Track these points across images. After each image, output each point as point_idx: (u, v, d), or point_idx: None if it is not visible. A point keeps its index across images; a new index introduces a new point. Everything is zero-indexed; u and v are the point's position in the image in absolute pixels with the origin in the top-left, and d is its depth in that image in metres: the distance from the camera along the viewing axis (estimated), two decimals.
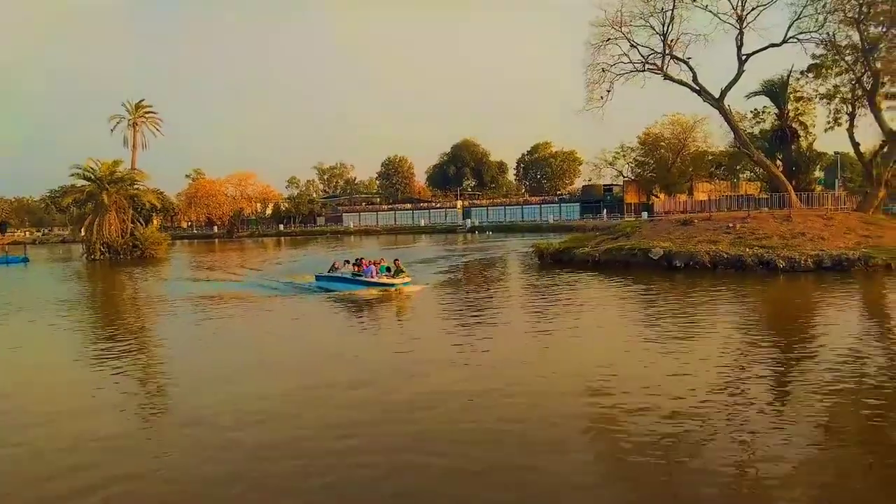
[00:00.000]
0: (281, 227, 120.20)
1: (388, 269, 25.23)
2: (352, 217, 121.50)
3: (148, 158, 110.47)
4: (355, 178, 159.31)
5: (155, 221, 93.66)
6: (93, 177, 55.61)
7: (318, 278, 26.87)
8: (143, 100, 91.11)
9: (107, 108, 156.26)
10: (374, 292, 23.59)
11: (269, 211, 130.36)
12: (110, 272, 42.68)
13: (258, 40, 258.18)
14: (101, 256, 53.83)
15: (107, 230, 54.49)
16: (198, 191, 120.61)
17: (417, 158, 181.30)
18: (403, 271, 25.24)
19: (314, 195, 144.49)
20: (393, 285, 24.15)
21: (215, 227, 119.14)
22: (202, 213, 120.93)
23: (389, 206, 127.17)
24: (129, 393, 11.61)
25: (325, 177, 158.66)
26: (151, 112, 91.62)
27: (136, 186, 59.17)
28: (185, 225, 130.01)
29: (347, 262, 26.92)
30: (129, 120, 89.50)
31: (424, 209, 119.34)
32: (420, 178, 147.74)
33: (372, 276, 24.44)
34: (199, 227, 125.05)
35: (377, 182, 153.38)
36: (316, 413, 10.02)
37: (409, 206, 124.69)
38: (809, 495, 6.83)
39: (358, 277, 24.69)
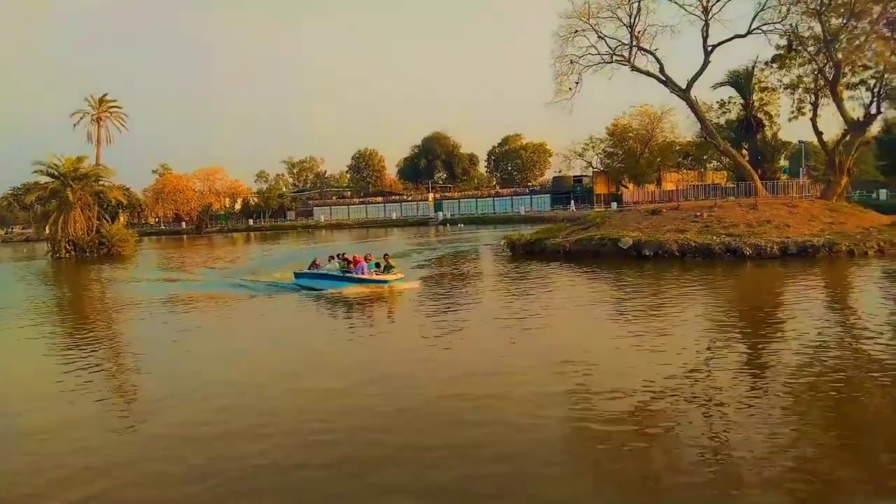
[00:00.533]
0: (251, 221, 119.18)
1: (378, 265, 23.59)
2: (322, 211, 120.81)
3: (113, 154, 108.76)
4: (325, 172, 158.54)
5: (121, 218, 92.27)
6: (56, 173, 54.51)
7: (297, 276, 24.92)
8: (106, 94, 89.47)
9: (72, 104, 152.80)
10: (363, 290, 22.10)
11: (238, 206, 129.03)
12: (77, 271, 41.88)
13: (227, 35, 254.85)
14: (67, 255, 52.78)
15: (72, 228, 53.46)
16: (165, 186, 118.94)
17: (388, 151, 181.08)
18: (394, 267, 23.54)
19: (284, 189, 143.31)
20: (385, 282, 22.56)
21: (183, 223, 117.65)
22: (170, 209, 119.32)
23: (361, 200, 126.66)
24: (100, 407, 10.95)
25: (295, 171, 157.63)
26: (116, 107, 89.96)
27: (101, 183, 58.02)
28: (152, 221, 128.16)
29: (332, 257, 25.08)
30: (92, 115, 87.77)
31: (396, 202, 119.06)
32: (391, 172, 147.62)
33: (363, 273, 22.59)
34: (166, 223, 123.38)
35: (348, 175, 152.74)
36: (300, 428, 9.66)
37: (380, 199, 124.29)
38: (779, 474, 7.00)
39: (348, 274, 22.97)
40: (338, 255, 25.19)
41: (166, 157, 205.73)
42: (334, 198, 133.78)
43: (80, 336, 17.53)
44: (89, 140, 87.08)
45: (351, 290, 22.03)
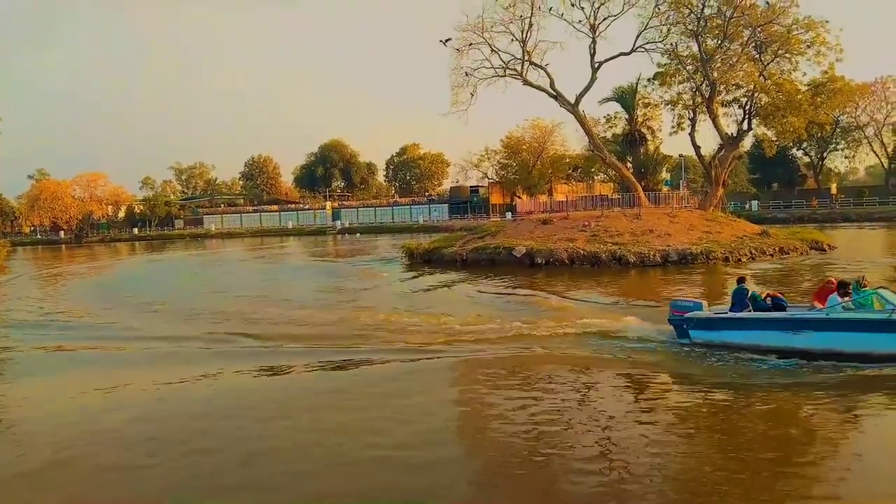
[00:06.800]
0: (135, 230, 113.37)
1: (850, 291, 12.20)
2: (213, 219, 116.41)
3: None
4: (216, 179, 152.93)
5: None
6: None
7: (704, 327, 13.34)
8: None
9: None
10: None
11: (121, 214, 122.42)
12: None
13: (105, 33, 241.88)
14: None
15: None
16: (41, 193, 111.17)
17: (283, 159, 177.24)
18: None
19: (171, 197, 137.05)
20: None
21: (62, 232, 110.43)
22: (46, 217, 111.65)
23: (254, 208, 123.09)
24: None
25: (184, 177, 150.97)
26: None
27: None
28: (27, 230, 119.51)
29: (860, 283, 12.36)
30: None
31: (292, 211, 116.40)
32: (287, 179, 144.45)
33: None
34: (43, 233, 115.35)
35: (240, 183, 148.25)
36: None
37: (275, 207, 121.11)
38: (664, 482, 7.22)
39: None
40: (858, 283, 12.47)
41: (45, 162, 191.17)
42: (224, 206, 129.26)
43: None
44: None
45: None
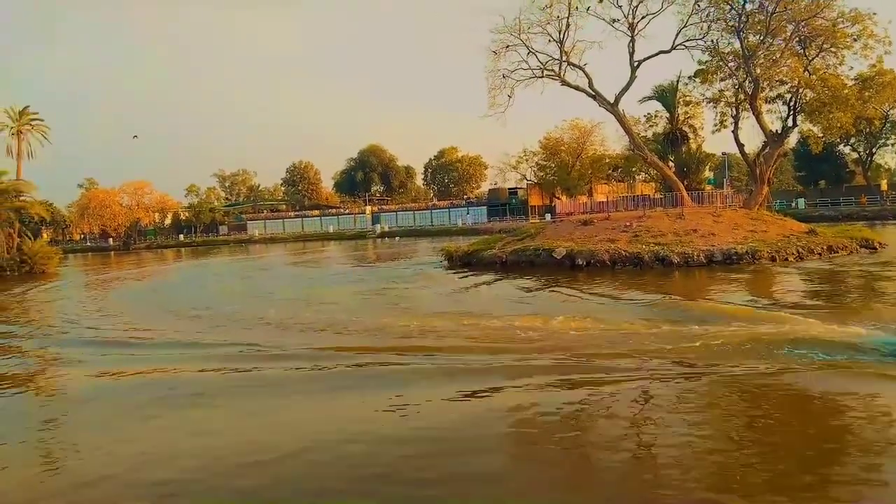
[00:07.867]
0: (181, 237, 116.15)
1: None
2: (256, 225, 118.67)
3: (36, 168, 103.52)
4: (259, 185, 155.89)
5: (45, 235, 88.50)
6: None
7: None
8: (27, 106, 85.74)
9: None
10: None
11: (168, 221, 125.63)
12: None
13: (150, 44, 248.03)
14: None
15: None
16: (90, 201, 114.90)
17: (324, 164, 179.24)
18: None
19: (216, 203, 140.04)
20: None
21: (110, 240, 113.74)
22: (96, 225, 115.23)
23: (296, 213, 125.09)
24: None
25: (227, 184, 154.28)
26: (38, 119, 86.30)
27: (22, 198, 55.59)
28: (77, 237, 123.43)
29: None
30: (12, 128, 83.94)
31: (333, 215, 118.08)
32: (327, 185, 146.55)
33: None
34: (93, 240, 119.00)
35: (282, 189, 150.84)
36: None
37: (316, 212, 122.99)
38: (703, 480, 7.23)
39: None
40: None
41: (93, 171, 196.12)
42: (266, 211, 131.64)
43: None
44: (9, 154, 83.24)
45: None
